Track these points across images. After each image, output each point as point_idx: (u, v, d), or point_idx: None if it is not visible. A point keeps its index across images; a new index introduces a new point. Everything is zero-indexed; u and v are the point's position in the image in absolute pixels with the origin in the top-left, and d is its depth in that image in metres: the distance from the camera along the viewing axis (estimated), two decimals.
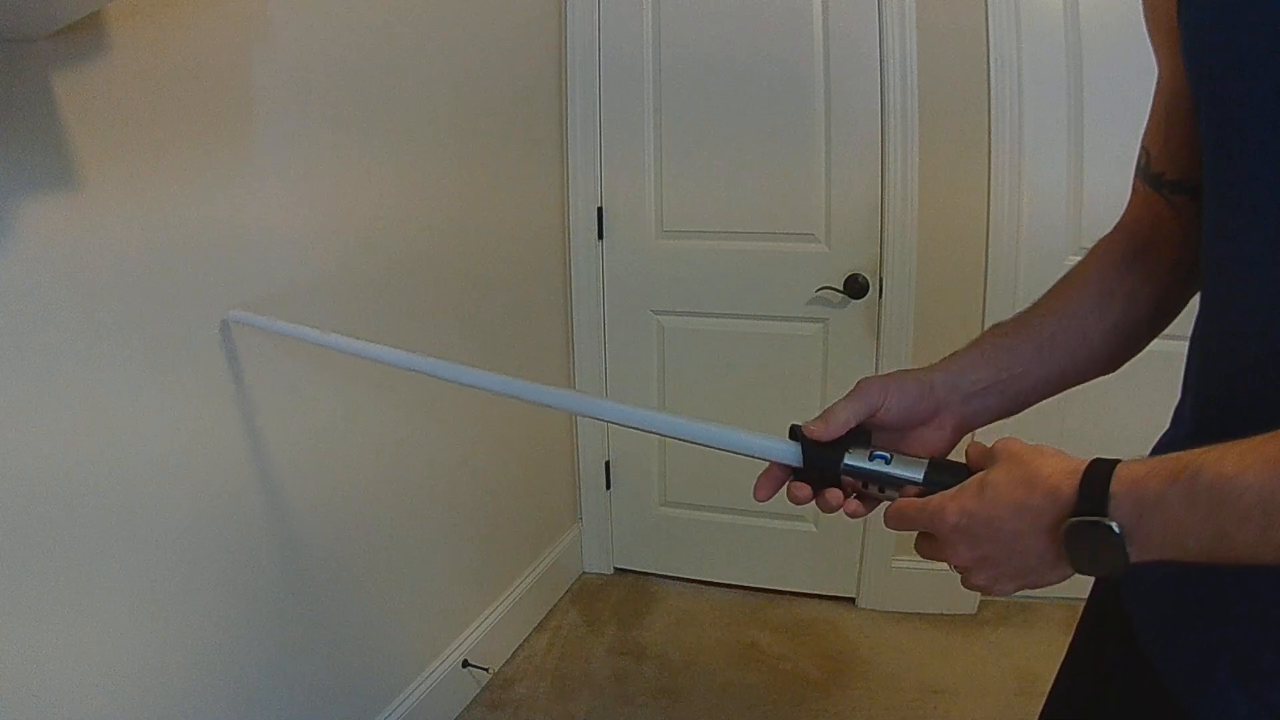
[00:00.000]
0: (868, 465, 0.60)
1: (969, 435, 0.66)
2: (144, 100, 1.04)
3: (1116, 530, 0.45)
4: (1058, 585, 0.52)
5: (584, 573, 2.45)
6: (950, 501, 0.52)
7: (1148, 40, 0.66)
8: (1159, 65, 0.65)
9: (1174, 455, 0.45)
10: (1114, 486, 0.46)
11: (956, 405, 0.65)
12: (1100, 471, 0.47)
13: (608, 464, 2.39)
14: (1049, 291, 0.70)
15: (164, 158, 1.07)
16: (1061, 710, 0.74)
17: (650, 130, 2.15)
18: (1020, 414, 0.69)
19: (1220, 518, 0.42)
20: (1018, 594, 0.54)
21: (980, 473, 0.53)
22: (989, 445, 0.54)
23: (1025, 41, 1.88)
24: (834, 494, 0.61)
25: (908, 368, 0.67)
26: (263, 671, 1.31)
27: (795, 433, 0.63)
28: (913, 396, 0.64)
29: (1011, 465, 0.51)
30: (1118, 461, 0.47)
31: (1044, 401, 0.68)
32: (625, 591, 2.36)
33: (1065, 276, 0.70)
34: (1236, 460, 0.42)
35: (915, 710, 1.83)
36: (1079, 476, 0.47)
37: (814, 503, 0.63)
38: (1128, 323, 0.67)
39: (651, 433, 0.69)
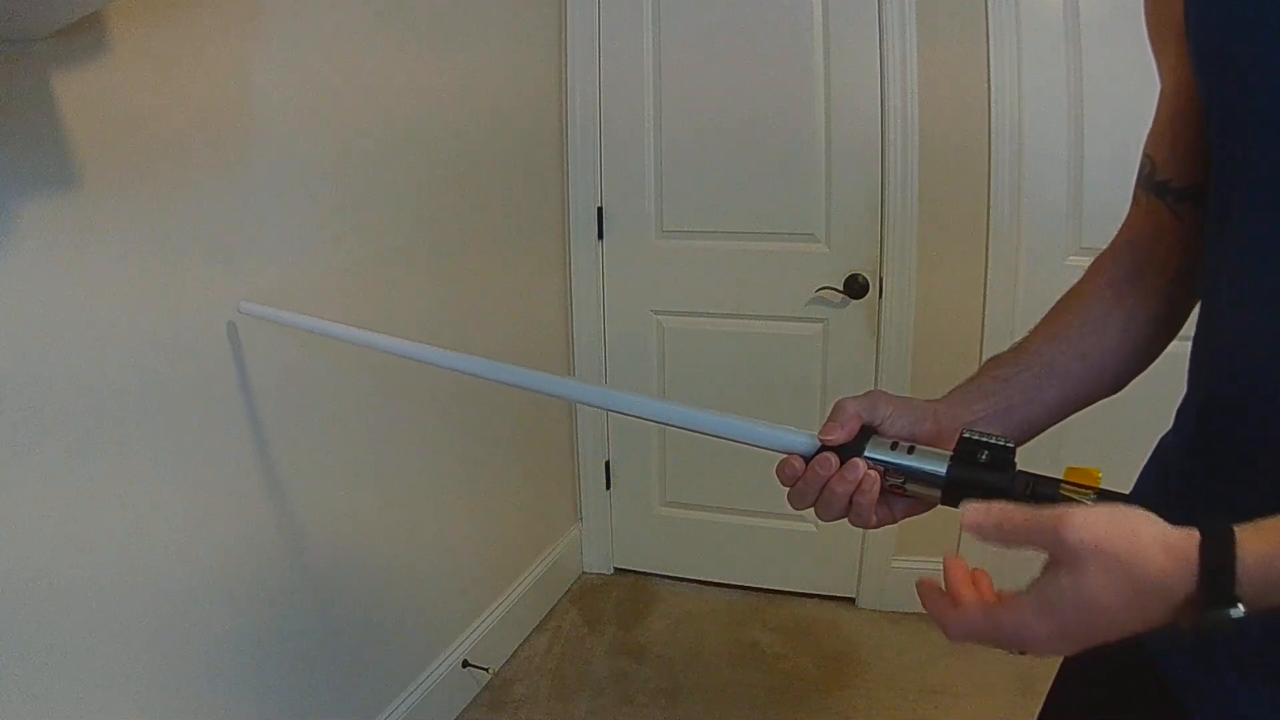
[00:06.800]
0: (890, 456, 0.59)
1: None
2: (144, 100, 1.04)
3: (1241, 613, 0.41)
4: None
5: (584, 573, 2.45)
6: (1039, 623, 0.46)
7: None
8: (1161, 72, 0.65)
9: None
10: (1240, 572, 0.42)
11: (958, 434, 0.63)
12: (1222, 562, 0.42)
13: (608, 464, 2.39)
14: (1046, 315, 0.69)
15: (164, 158, 1.07)
16: (1061, 713, 0.74)
17: (651, 130, 2.15)
18: None
19: None
20: None
21: (1062, 577, 0.45)
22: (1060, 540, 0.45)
23: (1025, 41, 1.88)
24: (859, 465, 0.58)
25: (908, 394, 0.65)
26: (265, 670, 1.31)
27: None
28: (915, 416, 0.63)
29: (1106, 567, 0.44)
30: (1233, 540, 0.42)
31: None
32: (625, 591, 2.36)
33: (1064, 298, 0.70)
34: None
35: (915, 710, 1.83)
36: (1193, 568, 0.42)
37: (815, 507, 0.61)
38: (1128, 341, 0.66)
39: (674, 426, 0.68)
